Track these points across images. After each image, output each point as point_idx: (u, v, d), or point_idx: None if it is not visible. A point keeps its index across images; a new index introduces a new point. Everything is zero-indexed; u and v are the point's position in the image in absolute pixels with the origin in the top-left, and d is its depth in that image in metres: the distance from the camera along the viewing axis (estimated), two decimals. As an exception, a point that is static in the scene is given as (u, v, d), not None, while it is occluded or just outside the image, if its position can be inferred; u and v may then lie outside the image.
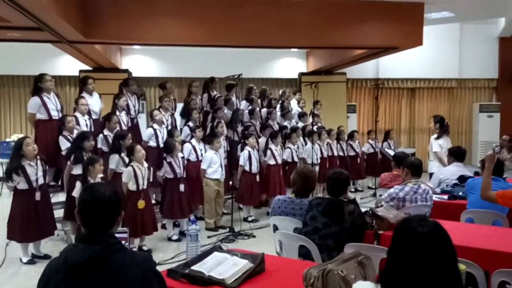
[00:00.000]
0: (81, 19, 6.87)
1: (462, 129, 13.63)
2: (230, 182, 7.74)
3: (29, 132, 10.84)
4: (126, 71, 11.47)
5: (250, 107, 8.78)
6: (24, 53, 10.90)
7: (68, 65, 11.25)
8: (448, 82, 13.23)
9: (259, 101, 9.14)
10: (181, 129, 7.83)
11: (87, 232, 2.06)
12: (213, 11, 7.43)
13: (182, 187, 6.53)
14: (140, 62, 11.95)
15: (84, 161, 5.62)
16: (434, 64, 12.73)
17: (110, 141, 6.58)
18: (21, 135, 10.30)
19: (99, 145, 6.72)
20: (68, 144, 6.20)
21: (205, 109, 8.48)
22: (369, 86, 13.03)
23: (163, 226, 6.91)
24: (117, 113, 7.07)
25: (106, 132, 6.77)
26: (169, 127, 7.60)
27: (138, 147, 5.90)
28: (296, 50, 12.10)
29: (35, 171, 5.42)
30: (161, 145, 7.17)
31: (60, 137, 6.31)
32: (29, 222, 5.39)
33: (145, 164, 5.93)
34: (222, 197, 7.25)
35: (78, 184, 5.48)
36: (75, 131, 6.41)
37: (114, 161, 6.20)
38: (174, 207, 6.48)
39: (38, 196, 5.44)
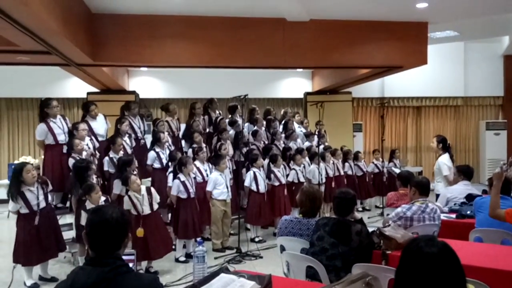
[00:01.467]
0: (89, 43, 6.98)
1: (469, 147, 13.58)
2: (238, 203, 7.72)
3: (37, 154, 10.94)
4: (133, 92, 11.59)
5: (255, 128, 8.78)
6: (33, 76, 11.05)
7: (76, 87, 11.39)
8: (454, 100, 13.24)
9: (264, 121, 9.13)
10: (186, 152, 7.84)
11: (94, 254, 2.07)
12: (219, 33, 7.52)
13: (197, 206, 6.59)
14: (147, 83, 12.06)
15: (80, 192, 5.62)
16: (440, 83, 12.76)
17: (116, 162, 6.65)
18: (29, 157, 10.41)
19: (105, 168, 6.78)
20: None
21: (207, 130, 8.50)
22: (375, 105, 13.06)
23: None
24: (121, 137, 7.12)
25: (111, 154, 6.85)
26: (172, 147, 7.61)
27: (133, 178, 5.85)
28: (301, 70, 12.18)
29: (36, 195, 5.42)
30: (165, 166, 7.21)
31: (70, 159, 6.35)
32: (31, 246, 5.38)
33: (143, 191, 5.87)
34: (229, 217, 7.23)
35: (83, 214, 5.46)
36: (84, 153, 6.47)
37: (117, 186, 6.25)
38: (188, 227, 6.44)
39: (36, 220, 5.40)
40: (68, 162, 6.36)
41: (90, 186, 5.59)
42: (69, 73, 9.33)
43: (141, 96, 11.70)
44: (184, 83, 11.93)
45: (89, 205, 5.49)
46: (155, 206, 5.94)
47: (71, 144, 6.43)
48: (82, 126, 6.77)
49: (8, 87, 11.41)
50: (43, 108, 6.51)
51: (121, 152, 6.92)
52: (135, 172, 6.32)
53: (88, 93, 11.16)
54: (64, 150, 6.53)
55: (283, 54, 7.78)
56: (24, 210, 5.39)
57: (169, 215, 7.13)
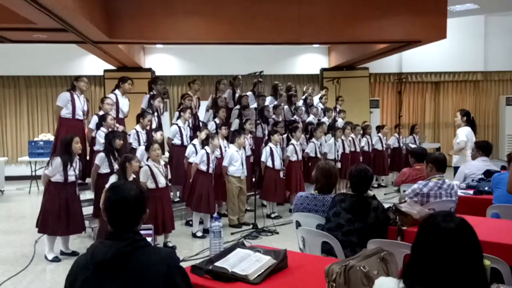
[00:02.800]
0: (105, 20, 6.98)
1: (489, 122, 13.38)
2: (253, 179, 7.77)
3: (56, 131, 11.07)
4: (149, 70, 11.61)
5: (276, 103, 8.86)
6: (51, 54, 11.15)
7: (92, 65, 11.45)
8: (474, 75, 13.00)
9: (285, 97, 9.23)
10: (206, 123, 7.94)
11: (113, 230, 2.11)
12: (233, 9, 7.45)
13: (212, 182, 6.65)
14: (163, 60, 12.07)
15: (122, 158, 5.71)
16: (459, 57, 12.53)
17: (141, 138, 6.81)
18: (48, 135, 10.57)
19: (130, 140, 6.89)
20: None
21: (228, 105, 8.58)
22: (392, 81, 12.91)
23: (188, 223, 6.99)
24: (151, 113, 7.25)
25: (138, 128, 6.95)
26: (191, 126, 7.69)
27: (155, 145, 5.94)
28: (317, 45, 12.03)
29: (74, 168, 5.63)
30: (185, 143, 7.26)
31: (99, 132, 6.49)
32: (60, 216, 5.53)
33: (162, 162, 5.99)
34: (245, 194, 7.29)
35: (112, 178, 5.54)
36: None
37: (140, 152, 6.40)
38: (203, 201, 6.50)
39: (77, 191, 5.76)
40: (95, 136, 6.53)
41: (131, 155, 5.72)
42: (86, 51, 9.37)
43: (157, 73, 11.71)
44: (200, 60, 11.90)
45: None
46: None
47: (104, 117, 6.56)
48: (109, 100, 6.88)
49: (27, 65, 11.51)
50: (73, 81, 6.71)
51: (148, 127, 7.06)
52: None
53: (105, 71, 11.22)
54: (91, 126, 6.72)
55: (298, 30, 7.68)
56: (58, 178, 5.53)
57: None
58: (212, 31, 7.54)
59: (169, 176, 6.23)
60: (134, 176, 5.66)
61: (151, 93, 7.83)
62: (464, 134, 6.87)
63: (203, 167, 6.54)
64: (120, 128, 6.85)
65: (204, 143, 6.82)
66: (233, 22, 7.48)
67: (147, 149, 5.96)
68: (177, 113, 7.86)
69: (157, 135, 6.63)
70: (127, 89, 7.29)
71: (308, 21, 7.64)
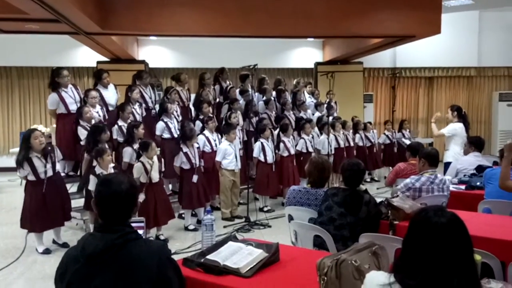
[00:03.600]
0: (98, 11, 6.91)
1: (481, 118, 13.44)
2: (246, 173, 7.76)
3: (48, 122, 11.00)
4: (143, 62, 11.54)
5: (264, 98, 8.77)
6: (43, 45, 11.05)
7: (85, 56, 11.37)
8: (467, 71, 13.04)
9: (273, 92, 9.12)
10: (194, 122, 7.85)
11: (104, 222, 2.10)
12: (229, 2, 7.40)
13: (195, 178, 6.52)
14: (156, 53, 12.00)
15: (92, 154, 5.65)
16: (453, 53, 12.55)
17: (124, 131, 6.68)
18: (40, 126, 10.48)
19: (114, 136, 6.80)
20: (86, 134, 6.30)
21: (217, 100, 8.49)
22: (386, 76, 12.92)
23: (180, 216, 6.97)
24: (131, 105, 7.11)
25: (120, 122, 6.87)
26: (180, 118, 7.61)
27: (154, 144, 5.91)
28: (312, 39, 12.01)
29: (43, 163, 5.42)
30: (175, 135, 7.21)
31: (79, 128, 6.42)
32: (37, 213, 5.45)
33: (155, 158, 5.93)
34: (238, 187, 7.29)
35: (91, 178, 5.53)
36: (93, 121, 6.50)
37: (127, 154, 6.29)
38: (193, 197, 6.50)
39: (44, 188, 5.45)
40: (77, 130, 6.41)
41: (101, 149, 5.63)
42: (79, 42, 9.29)
43: (150, 66, 11.65)
44: (194, 52, 11.84)
45: (98, 170, 5.55)
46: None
47: (80, 112, 6.46)
48: (93, 93, 6.80)
49: (19, 56, 11.42)
50: (54, 78, 6.55)
51: (129, 120, 6.89)
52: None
53: (98, 62, 11.14)
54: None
55: (293, 23, 7.66)
56: (31, 177, 5.43)
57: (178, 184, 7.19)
58: (207, 23, 7.49)
59: (163, 169, 6.21)
60: (112, 168, 5.62)
61: (131, 86, 7.57)
62: (450, 129, 6.93)
63: (186, 166, 6.53)
64: (95, 116, 6.65)
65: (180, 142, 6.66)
66: (228, 14, 7.44)
67: (146, 148, 5.81)
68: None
69: (139, 131, 6.37)
70: (106, 82, 7.26)
71: (303, 15, 7.61)
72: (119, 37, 8.95)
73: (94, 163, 5.74)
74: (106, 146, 5.87)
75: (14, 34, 8.42)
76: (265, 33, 8.13)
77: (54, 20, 6.35)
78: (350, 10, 7.76)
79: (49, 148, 5.61)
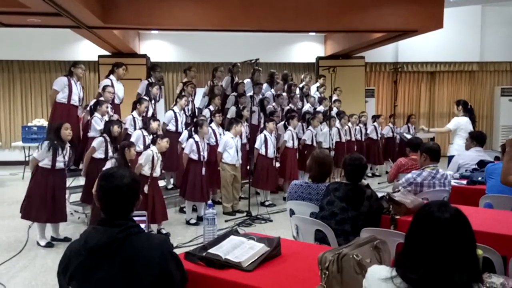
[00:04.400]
0: (100, 5, 6.91)
1: (483, 113, 13.41)
2: (248, 167, 7.77)
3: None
4: (144, 56, 11.53)
5: (272, 90, 8.83)
6: (44, 39, 11.05)
7: (87, 50, 11.36)
8: (469, 66, 13.00)
9: (283, 86, 9.23)
10: (201, 109, 7.91)
11: (106, 216, 2.10)
12: (230, -4, 7.40)
13: (203, 171, 6.54)
14: (158, 47, 11.98)
15: (121, 144, 5.69)
16: (455, 47, 12.51)
17: (137, 124, 6.84)
18: (42, 120, 10.50)
19: (126, 125, 6.89)
20: (101, 127, 6.35)
21: (225, 92, 8.57)
22: (388, 70, 12.89)
23: (181, 210, 6.99)
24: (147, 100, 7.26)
25: (135, 114, 6.97)
26: (189, 112, 7.67)
27: (167, 139, 6.03)
28: (313, 34, 11.98)
29: (63, 155, 5.51)
30: (180, 129, 7.25)
31: (95, 118, 6.49)
32: (45, 203, 5.45)
33: (159, 155, 5.99)
34: (239, 182, 7.29)
35: (108, 163, 5.54)
36: (106, 116, 6.60)
37: (135, 136, 6.41)
38: (196, 190, 6.49)
39: (65, 178, 5.68)
40: (89, 121, 6.52)
41: (131, 142, 5.73)
42: (81, 36, 9.28)
43: (152, 60, 11.64)
44: (195, 47, 11.83)
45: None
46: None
47: (97, 104, 6.55)
48: (110, 89, 6.90)
49: (21, 49, 11.42)
50: (71, 67, 6.75)
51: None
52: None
53: (99, 56, 11.14)
54: (79, 113, 6.70)
55: (295, 17, 7.64)
56: (46, 164, 5.44)
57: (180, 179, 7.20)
58: (208, 17, 7.48)
59: (161, 165, 6.23)
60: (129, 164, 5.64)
61: (149, 80, 7.81)
62: (455, 123, 6.97)
63: (194, 156, 6.52)
64: (115, 116, 6.83)
65: (192, 131, 6.75)
66: (230, 8, 7.42)
67: (155, 140, 5.93)
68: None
69: (154, 124, 6.57)
70: (121, 75, 7.30)
71: (305, 9, 7.59)
72: (120, 31, 8.95)
73: (97, 155, 5.89)
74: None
75: (15, 28, 8.41)
76: (266, 27, 8.11)
77: (55, 13, 6.35)
78: (352, 4, 7.74)
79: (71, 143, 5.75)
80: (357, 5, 7.75)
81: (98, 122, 6.43)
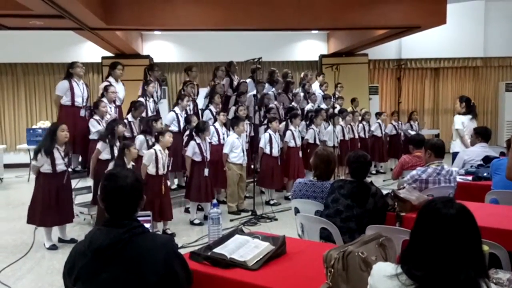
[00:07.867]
0: (102, 6, 6.92)
1: (488, 108, 13.36)
2: (252, 166, 7.76)
3: (54, 118, 11.03)
4: (147, 57, 11.55)
5: (273, 90, 8.81)
6: (47, 41, 11.08)
7: (90, 52, 11.38)
8: (473, 61, 12.94)
9: (282, 84, 9.19)
10: (203, 110, 7.90)
11: (111, 217, 2.10)
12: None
13: (206, 171, 6.53)
14: (161, 47, 12.00)
15: (120, 145, 5.69)
16: (458, 43, 12.45)
17: (133, 127, 6.76)
18: (47, 122, 10.54)
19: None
20: (99, 128, 6.36)
21: (226, 93, 8.53)
22: (392, 67, 12.86)
23: (187, 210, 6.99)
24: (145, 99, 7.22)
25: (130, 118, 6.89)
26: (191, 112, 7.65)
27: (170, 133, 6.00)
28: (316, 32, 11.96)
29: (61, 157, 5.50)
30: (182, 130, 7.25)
31: (91, 120, 6.47)
32: (49, 207, 5.46)
33: (166, 151, 6.00)
34: (245, 181, 7.29)
35: (110, 165, 5.54)
36: (107, 116, 6.58)
37: (138, 141, 6.34)
38: (201, 190, 6.50)
39: (64, 179, 5.54)
40: (88, 123, 6.48)
41: (129, 142, 5.71)
42: (84, 38, 9.30)
43: (155, 60, 11.65)
44: (198, 47, 11.83)
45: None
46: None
47: (96, 105, 6.52)
48: (113, 89, 6.88)
49: (24, 52, 11.45)
50: (69, 69, 6.68)
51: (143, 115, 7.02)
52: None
53: (103, 58, 11.16)
54: (81, 113, 6.65)
55: (298, 15, 7.62)
56: (47, 169, 5.43)
57: (185, 178, 7.21)
58: (209, 17, 7.48)
59: (170, 167, 6.24)
60: (133, 163, 5.65)
61: (147, 79, 7.76)
62: (460, 121, 6.88)
63: (197, 158, 6.52)
64: (113, 116, 6.78)
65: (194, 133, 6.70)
66: (232, 8, 7.41)
67: (158, 137, 5.91)
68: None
69: (157, 124, 6.54)
70: (119, 75, 7.29)
71: (307, 7, 7.57)
72: (123, 32, 8.96)
73: (104, 156, 5.87)
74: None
75: (18, 31, 8.44)
76: (268, 26, 8.11)
77: (58, 16, 6.36)
78: (354, 1, 7.71)
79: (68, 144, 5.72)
80: (360, 2, 7.72)
81: (94, 124, 6.42)
